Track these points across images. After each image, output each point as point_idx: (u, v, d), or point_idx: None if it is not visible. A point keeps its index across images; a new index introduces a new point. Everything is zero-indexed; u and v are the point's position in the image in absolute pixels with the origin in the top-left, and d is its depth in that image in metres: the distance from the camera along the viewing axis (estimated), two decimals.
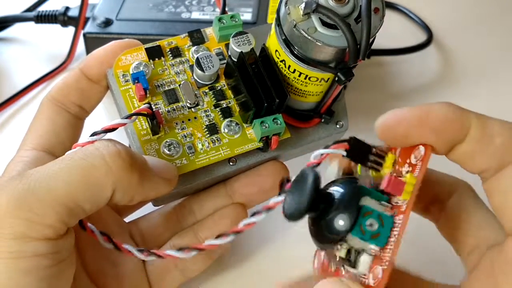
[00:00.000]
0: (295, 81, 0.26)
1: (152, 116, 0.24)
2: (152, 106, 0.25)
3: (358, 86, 0.38)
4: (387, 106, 0.29)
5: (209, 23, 0.29)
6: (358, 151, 0.21)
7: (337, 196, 0.20)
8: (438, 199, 0.23)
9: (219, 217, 0.27)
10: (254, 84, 0.25)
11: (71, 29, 0.42)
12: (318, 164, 0.21)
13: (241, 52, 0.26)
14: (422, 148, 0.20)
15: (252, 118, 0.26)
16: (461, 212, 0.22)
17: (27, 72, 0.42)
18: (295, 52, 0.24)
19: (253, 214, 0.21)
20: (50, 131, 0.26)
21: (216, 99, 0.27)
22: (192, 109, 0.26)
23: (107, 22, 0.38)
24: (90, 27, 0.38)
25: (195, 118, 0.26)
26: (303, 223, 0.21)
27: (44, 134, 0.26)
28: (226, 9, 0.28)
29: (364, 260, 0.19)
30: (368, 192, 0.20)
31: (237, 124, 0.26)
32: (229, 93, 0.27)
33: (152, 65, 0.27)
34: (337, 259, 0.20)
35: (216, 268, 0.29)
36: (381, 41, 0.32)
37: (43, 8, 0.45)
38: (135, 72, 0.26)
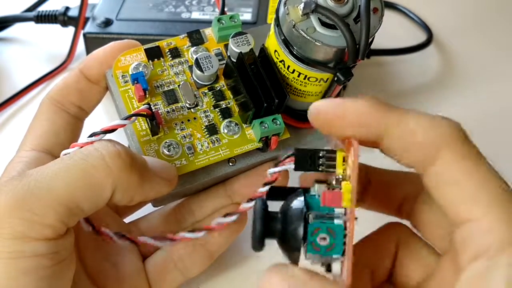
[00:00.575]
0: (294, 81, 0.26)
1: (151, 116, 0.24)
2: (152, 106, 0.25)
3: (357, 86, 0.38)
4: None
5: (209, 23, 0.29)
6: (306, 160, 0.21)
7: (287, 215, 0.20)
8: (408, 198, 0.23)
9: None
10: (254, 84, 0.25)
11: (71, 29, 0.42)
12: (274, 181, 0.22)
13: (240, 52, 0.26)
14: (353, 141, 0.19)
15: (251, 118, 0.26)
16: (430, 206, 0.22)
17: (27, 72, 0.42)
18: (294, 52, 0.24)
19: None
20: (50, 131, 0.26)
21: (215, 100, 0.27)
22: (192, 110, 0.27)
23: (107, 22, 0.38)
24: (90, 27, 0.38)
25: (194, 118, 0.26)
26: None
27: (43, 134, 0.26)
28: (226, 9, 0.29)
29: (335, 267, 0.19)
30: (317, 206, 0.20)
31: (236, 124, 0.26)
32: (229, 93, 0.27)
33: (151, 66, 0.27)
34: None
35: (216, 268, 0.29)
36: (381, 41, 0.32)
37: (43, 8, 0.45)
38: (134, 72, 0.26)
